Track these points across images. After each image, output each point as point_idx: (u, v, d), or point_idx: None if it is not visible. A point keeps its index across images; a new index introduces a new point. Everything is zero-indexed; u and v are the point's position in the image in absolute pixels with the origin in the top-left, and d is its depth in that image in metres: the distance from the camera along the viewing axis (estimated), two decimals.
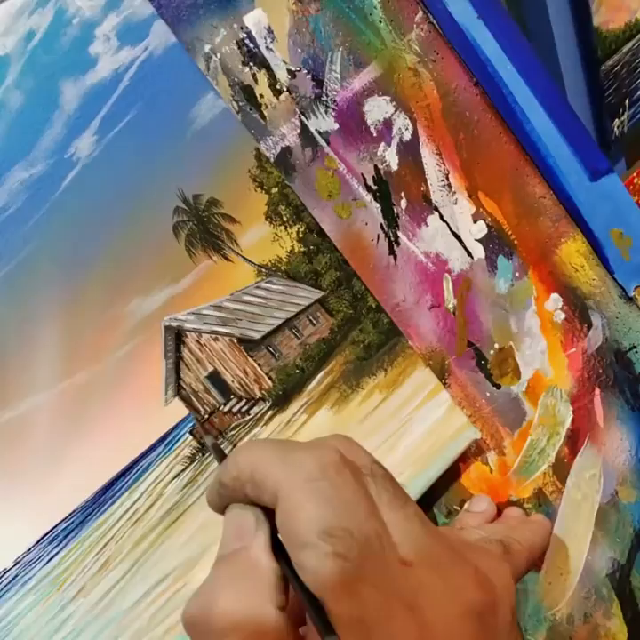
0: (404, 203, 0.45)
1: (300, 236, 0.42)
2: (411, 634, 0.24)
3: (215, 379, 0.40)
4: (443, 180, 0.46)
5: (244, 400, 0.41)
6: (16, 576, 0.35)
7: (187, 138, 0.39)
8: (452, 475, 0.46)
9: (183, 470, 0.39)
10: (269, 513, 0.26)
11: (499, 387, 0.47)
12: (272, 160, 0.41)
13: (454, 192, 0.46)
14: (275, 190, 0.41)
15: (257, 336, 0.41)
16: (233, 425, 0.41)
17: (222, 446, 0.37)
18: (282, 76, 0.42)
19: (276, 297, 0.42)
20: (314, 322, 0.43)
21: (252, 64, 0.41)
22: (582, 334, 0.49)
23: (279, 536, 0.26)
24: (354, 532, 0.24)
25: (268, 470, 0.26)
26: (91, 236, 0.37)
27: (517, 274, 0.48)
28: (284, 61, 0.42)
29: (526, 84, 0.46)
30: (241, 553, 0.26)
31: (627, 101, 0.61)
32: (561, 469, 0.48)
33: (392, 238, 0.45)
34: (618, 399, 0.50)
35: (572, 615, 0.48)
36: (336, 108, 0.43)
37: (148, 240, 0.38)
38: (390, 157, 0.45)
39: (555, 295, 0.49)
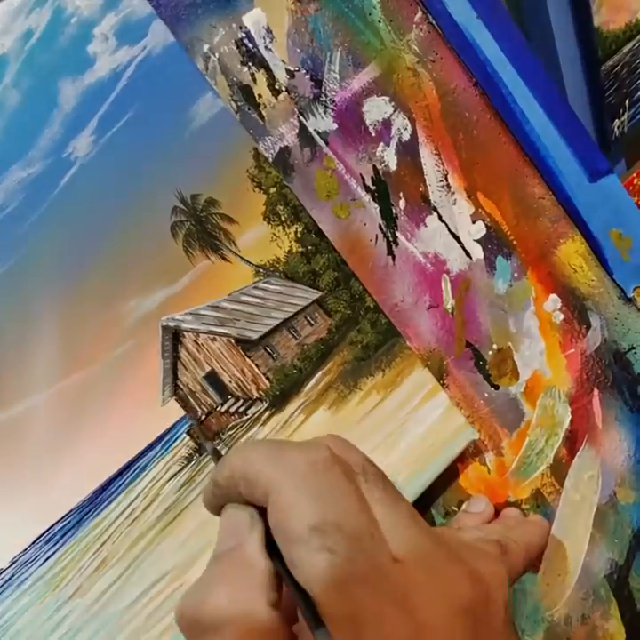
0: (402, 203, 0.45)
1: (299, 236, 0.42)
2: (403, 632, 0.24)
3: (212, 379, 0.40)
4: (441, 181, 0.46)
5: (242, 400, 0.41)
6: (12, 576, 0.35)
7: (185, 137, 0.39)
8: (449, 475, 0.46)
9: (180, 470, 0.39)
10: (264, 512, 0.26)
11: (497, 387, 0.47)
12: (270, 160, 0.41)
13: (453, 192, 0.46)
14: (273, 190, 0.41)
15: (255, 336, 0.41)
16: (230, 425, 0.40)
17: (219, 447, 0.37)
18: (280, 75, 0.42)
19: (273, 297, 0.42)
20: (312, 322, 0.43)
21: (250, 64, 0.41)
22: (581, 335, 0.49)
23: (273, 534, 0.26)
24: (344, 527, 0.24)
25: (259, 468, 0.26)
26: (88, 236, 0.37)
27: (516, 274, 0.48)
28: (282, 61, 0.42)
29: (526, 85, 0.46)
30: (235, 551, 0.26)
31: (627, 102, 0.61)
32: (559, 470, 0.48)
33: (391, 238, 0.45)
34: (616, 400, 0.50)
35: (569, 616, 0.48)
36: (335, 108, 0.43)
37: (146, 240, 0.38)
38: (389, 158, 0.45)
39: (553, 296, 0.49)
